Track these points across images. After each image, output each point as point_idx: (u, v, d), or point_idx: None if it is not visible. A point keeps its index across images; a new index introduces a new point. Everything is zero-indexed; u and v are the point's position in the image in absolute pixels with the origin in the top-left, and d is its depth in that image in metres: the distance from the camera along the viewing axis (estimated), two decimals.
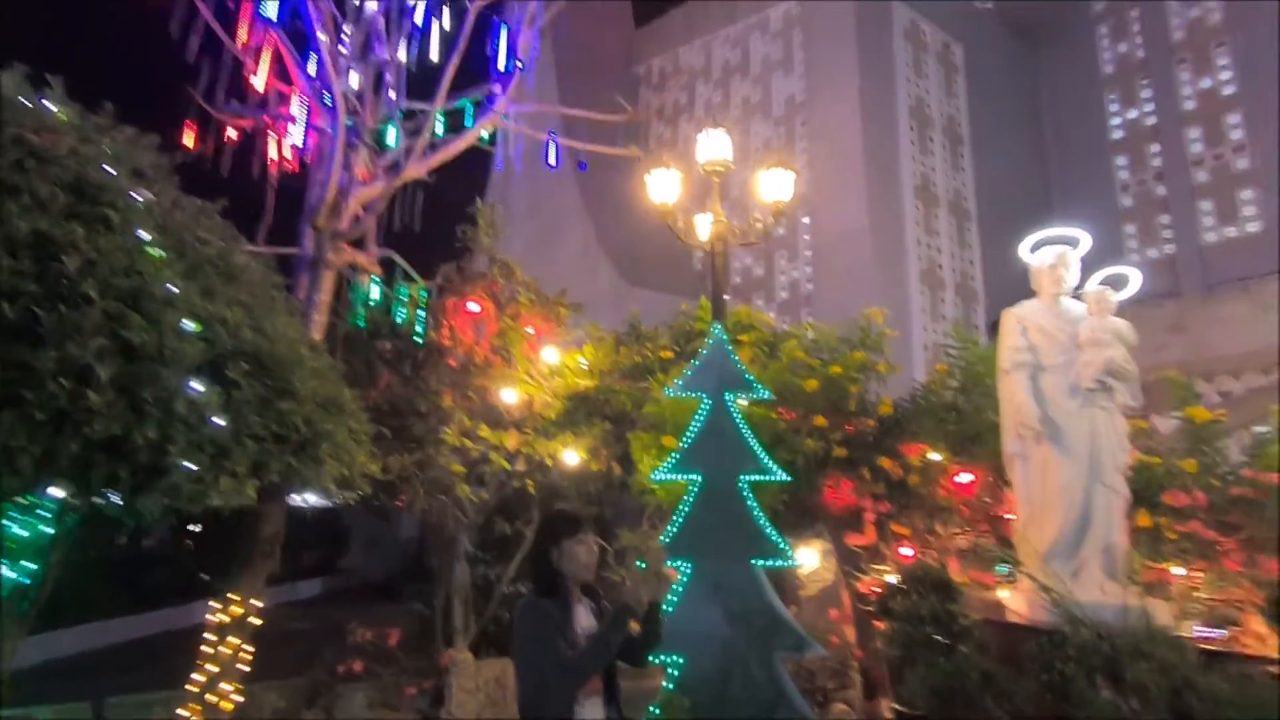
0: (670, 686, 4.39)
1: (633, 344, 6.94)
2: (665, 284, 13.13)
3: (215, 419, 2.77)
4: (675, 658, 4.46)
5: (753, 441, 4.87)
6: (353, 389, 4.31)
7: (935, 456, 6.90)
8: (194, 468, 2.64)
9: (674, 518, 4.76)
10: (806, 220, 15.13)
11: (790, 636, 4.60)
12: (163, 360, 2.67)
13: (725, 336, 5.01)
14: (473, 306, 5.64)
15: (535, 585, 2.80)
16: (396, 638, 6.01)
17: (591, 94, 9.88)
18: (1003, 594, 5.88)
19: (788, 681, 4.48)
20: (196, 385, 2.78)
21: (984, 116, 16.72)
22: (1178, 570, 5.75)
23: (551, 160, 5.98)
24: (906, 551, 6.66)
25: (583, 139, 8.28)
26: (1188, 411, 6.77)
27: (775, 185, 5.05)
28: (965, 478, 6.67)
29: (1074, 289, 5.73)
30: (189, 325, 2.85)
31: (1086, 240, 5.76)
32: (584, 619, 2.78)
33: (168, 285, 2.87)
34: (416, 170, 6.01)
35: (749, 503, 4.78)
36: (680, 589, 4.59)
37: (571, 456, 5.63)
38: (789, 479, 4.93)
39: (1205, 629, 5.60)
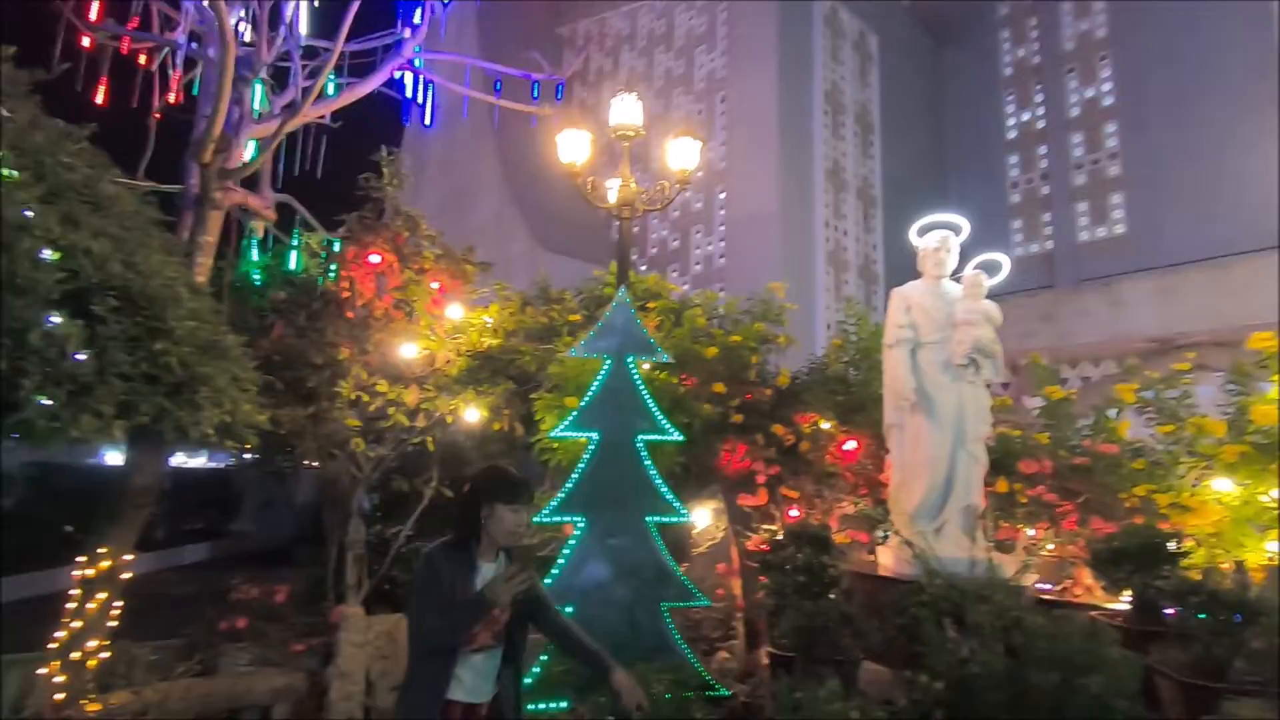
0: None
1: (541, 305, 6.95)
2: (581, 250, 13.11)
3: (76, 354, 2.62)
4: (565, 608, 4.61)
5: (650, 403, 5.04)
6: (241, 336, 4.14)
7: (825, 425, 7.33)
8: (50, 403, 2.50)
9: (571, 474, 4.89)
10: (723, 196, 15.45)
11: (677, 589, 4.84)
12: (15, 289, 2.50)
13: (629, 300, 5.13)
14: (374, 258, 5.49)
15: (452, 536, 2.73)
16: (285, 595, 5.86)
17: (514, 53, 9.64)
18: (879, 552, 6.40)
19: (670, 631, 4.73)
20: (55, 318, 2.62)
21: (893, 107, 17.49)
22: (1027, 530, 6.41)
23: (465, 112, 5.83)
24: (794, 513, 7.09)
25: (503, 97, 8.11)
26: (1045, 390, 7.49)
27: (682, 154, 5.16)
28: (850, 445, 7.13)
29: (953, 272, 6.19)
30: (47, 254, 2.67)
31: (966, 227, 6.21)
32: (484, 571, 2.70)
33: (23, 210, 2.67)
34: (316, 112, 5.73)
35: (644, 461, 4.96)
36: (574, 543, 4.74)
37: (473, 414, 5.63)
38: (684, 440, 5.14)
39: (1044, 581, 6.30)
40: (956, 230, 6.23)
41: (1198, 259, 13.56)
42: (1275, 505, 5.59)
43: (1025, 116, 18.30)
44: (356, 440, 5.28)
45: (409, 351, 5.48)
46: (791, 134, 14.68)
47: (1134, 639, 4.66)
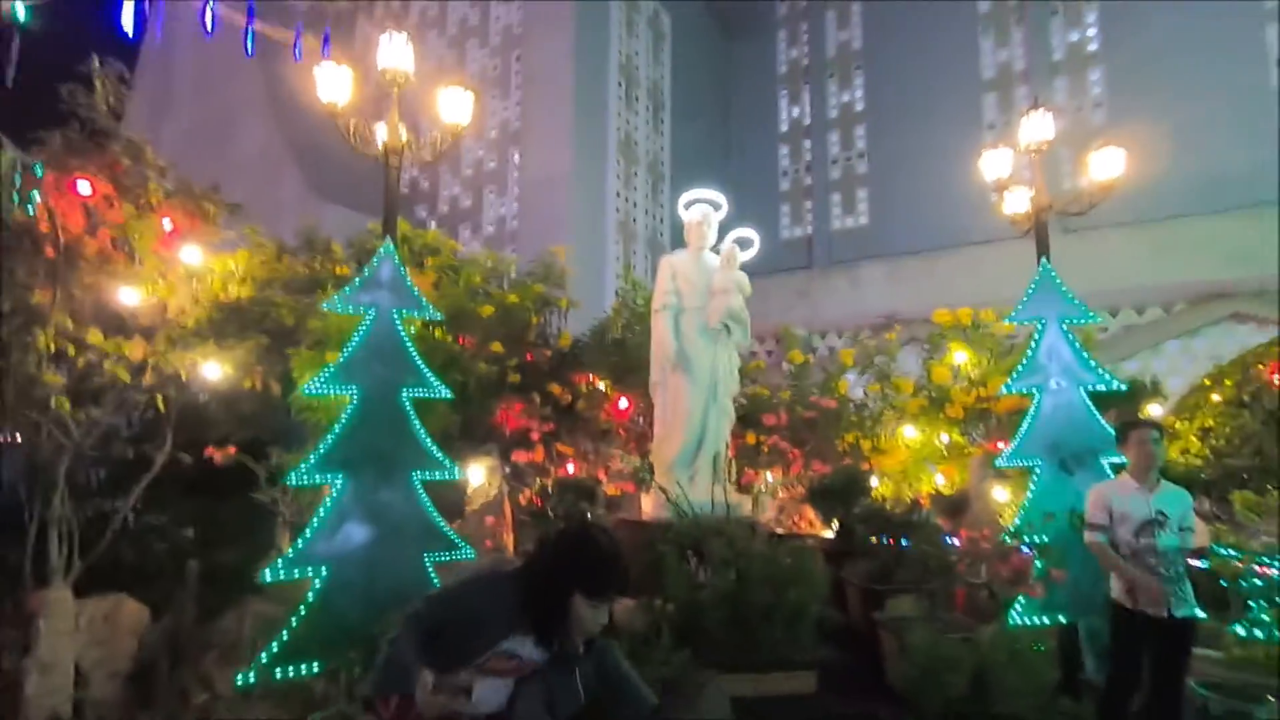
0: (312, 598, 4.37)
1: (303, 255, 6.40)
2: (361, 202, 12.17)
3: None
4: (321, 569, 4.45)
5: (417, 359, 4.95)
6: None
7: (601, 385, 7.73)
8: None
9: (328, 432, 4.67)
10: (517, 157, 15.27)
11: (442, 542, 4.88)
12: None
13: (394, 251, 4.96)
14: (83, 186, 4.68)
15: (518, 602, 2.14)
16: None
17: None
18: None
19: (434, 583, 4.77)
20: None
21: (683, 88, 18.44)
22: (766, 475, 7.36)
23: (208, 27, 5.12)
24: (570, 468, 7.42)
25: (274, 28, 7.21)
26: (790, 355, 8.58)
27: (454, 105, 5.05)
28: (624, 404, 7.60)
29: (714, 244, 6.80)
30: None
31: (725, 204, 6.84)
32: (526, 648, 2.21)
33: None
34: None
35: (410, 418, 4.89)
36: (330, 503, 4.56)
37: (213, 370, 5.10)
38: (454, 398, 5.13)
39: (776, 516, 7.30)
40: (717, 207, 6.83)
41: (917, 251, 16.19)
42: (944, 447, 7.01)
43: (795, 112, 20.30)
44: (60, 400, 4.54)
45: (129, 298, 4.80)
46: (586, 101, 14.87)
47: (834, 558, 5.63)
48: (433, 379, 4.97)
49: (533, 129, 15.21)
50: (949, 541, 5.37)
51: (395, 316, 4.89)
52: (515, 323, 7.21)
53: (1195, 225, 13.26)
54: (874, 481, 6.40)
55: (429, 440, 4.89)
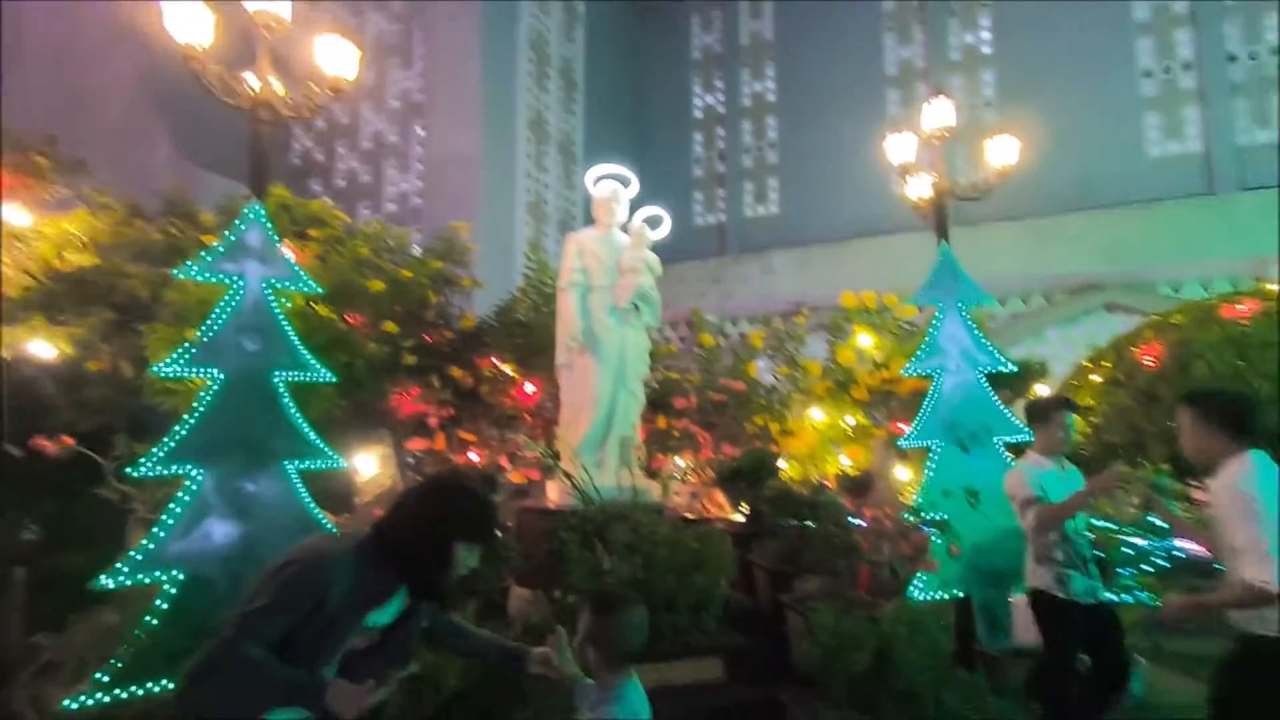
0: (165, 605, 3.85)
1: (162, 219, 5.68)
2: (245, 173, 11.16)
3: None
4: (175, 573, 3.93)
5: (292, 336, 4.47)
6: None
7: (506, 368, 7.37)
8: None
9: (184, 418, 4.13)
10: (421, 132, 14.45)
11: None
12: None
13: (264, 213, 4.44)
14: None
15: (385, 561, 1.94)
16: None
17: None
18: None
19: None
20: None
21: (597, 69, 18.10)
22: (676, 459, 7.24)
23: None
24: (474, 456, 7.04)
25: None
26: (701, 338, 8.50)
27: (333, 55, 4.57)
28: (530, 388, 7.28)
29: (623, 223, 6.58)
30: None
31: (634, 181, 6.62)
32: (388, 615, 2.00)
33: None
34: None
35: (284, 402, 4.41)
36: (185, 498, 4.03)
37: (44, 349, 4.42)
38: (338, 380, 4.68)
39: (686, 501, 7.20)
40: (626, 183, 6.60)
41: (826, 239, 16.60)
42: (849, 429, 7.10)
43: (709, 100, 20.34)
44: None
45: None
46: (494, 75, 14.27)
47: (742, 541, 5.57)
48: (311, 359, 4.50)
49: (437, 102, 14.46)
50: (854, 521, 5.42)
51: (266, 288, 4.39)
52: (411, 301, 6.74)
53: (1073, 221, 14.21)
54: (782, 464, 6.39)
55: (307, 426, 4.43)
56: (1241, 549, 2.58)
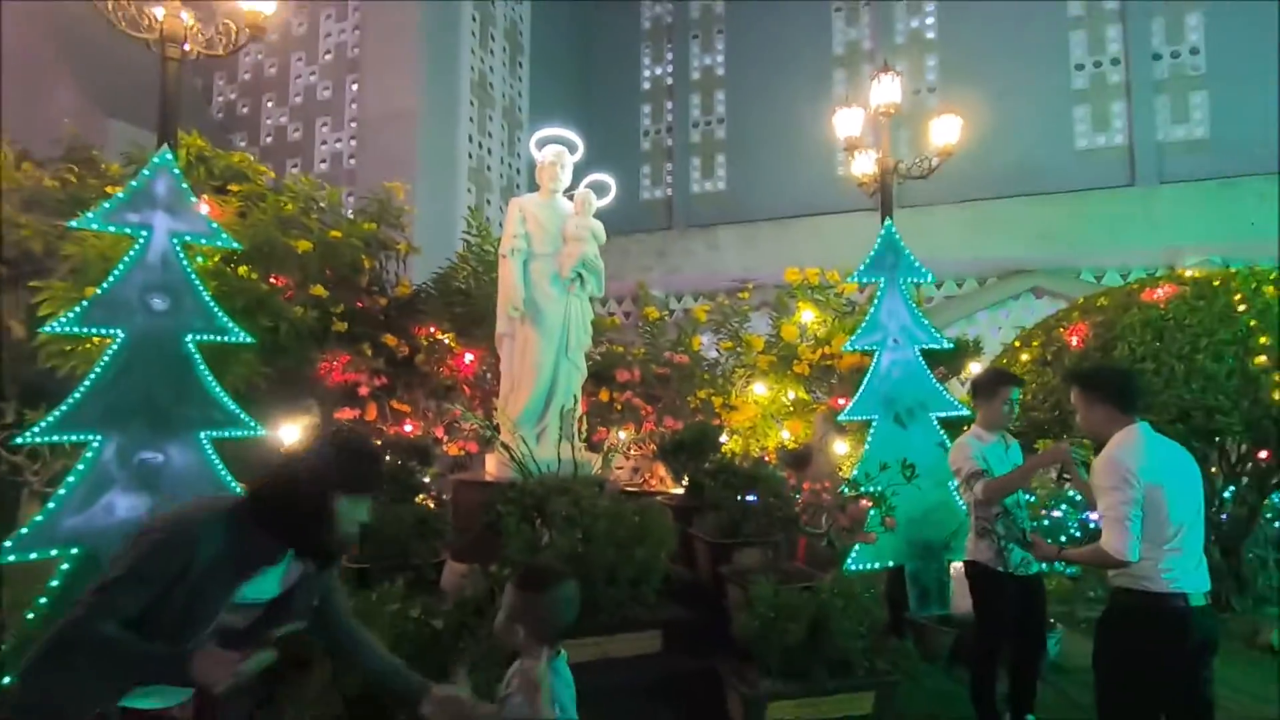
0: (59, 585, 3.55)
1: (57, 167, 5.16)
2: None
3: None
4: (72, 550, 3.62)
5: (205, 296, 4.14)
6: None
7: (444, 337, 7.11)
8: None
9: (82, 382, 3.78)
10: (355, 87, 13.67)
11: None
12: None
13: (173, 160, 4.06)
14: None
15: (291, 535, 1.78)
16: None
17: None
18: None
19: None
20: None
21: (544, 33, 17.53)
22: (620, 432, 7.17)
23: None
24: (409, 427, 6.78)
25: None
26: (645, 311, 8.40)
27: None
28: (469, 358, 7.05)
29: (567, 188, 6.37)
30: None
31: (580, 146, 6.42)
32: (268, 585, 1.82)
33: None
34: None
35: (197, 366, 4.09)
36: (86, 466, 3.71)
37: None
38: (253, 341, 4.37)
39: (630, 475, 7.15)
40: (572, 149, 6.38)
41: (772, 217, 16.68)
42: (791, 404, 7.16)
43: (657, 71, 20.03)
44: None
45: None
46: (436, 31, 13.60)
47: (684, 514, 5.55)
48: (226, 321, 4.18)
49: (373, 56, 13.71)
50: (794, 494, 5.47)
51: (175, 243, 4.04)
52: (343, 265, 6.38)
53: (1007, 208, 14.67)
54: (724, 438, 6.39)
55: (222, 392, 4.13)
56: (1103, 515, 2.76)
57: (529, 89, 16.41)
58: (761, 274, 11.55)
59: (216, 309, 4.15)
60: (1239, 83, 14.28)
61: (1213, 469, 6.00)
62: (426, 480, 4.82)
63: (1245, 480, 6.14)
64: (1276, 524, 6.42)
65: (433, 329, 6.90)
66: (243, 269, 5.26)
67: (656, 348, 8.06)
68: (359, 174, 12.78)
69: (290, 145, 14.12)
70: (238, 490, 4.16)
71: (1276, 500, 6.36)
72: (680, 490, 6.36)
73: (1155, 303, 5.84)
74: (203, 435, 4.04)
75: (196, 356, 4.07)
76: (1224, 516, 6.12)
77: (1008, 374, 4.13)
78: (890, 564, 5.30)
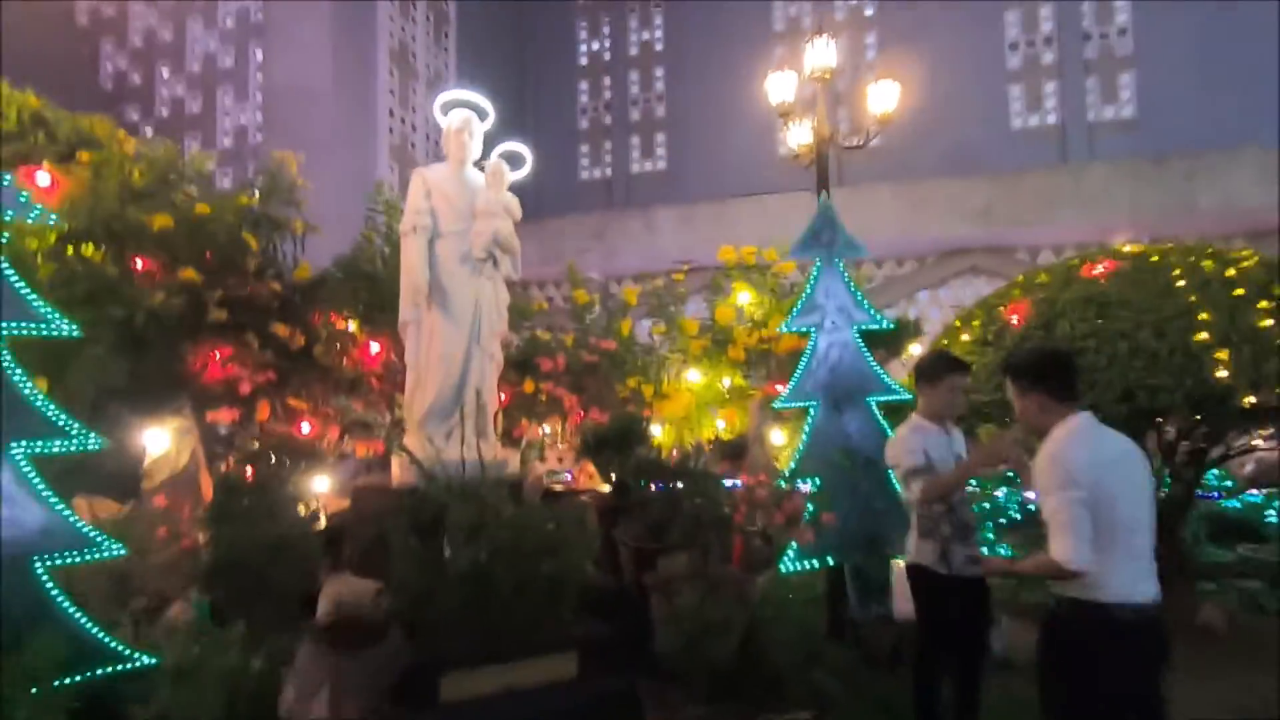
0: None
1: None
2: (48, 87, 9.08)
3: None
4: None
5: (15, 280, 3.43)
6: None
7: (348, 326, 6.44)
8: None
9: None
10: (260, 55, 12.52)
11: (64, 539, 3.50)
12: None
13: None
14: None
15: None
16: None
17: None
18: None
19: (53, 595, 3.42)
20: None
21: (473, 4, 16.62)
22: (543, 427, 6.65)
23: None
24: (306, 427, 6.12)
25: None
26: (576, 294, 7.87)
27: None
28: (375, 347, 6.40)
29: (477, 159, 5.77)
30: None
31: (491, 113, 5.82)
32: None
33: None
34: None
35: (6, 365, 3.39)
36: None
37: None
38: (79, 335, 3.67)
39: (557, 472, 6.65)
40: (483, 115, 5.78)
41: (711, 197, 16.31)
42: (726, 391, 6.77)
43: (595, 46, 19.35)
44: None
45: None
46: None
47: (609, 515, 5.09)
48: (47, 310, 3.48)
49: (279, 21, 12.63)
50: (728, 488, 5.09)
51: None
52: (223, 245, 5.64)
53: (945, 187, 14.65)
54: (655, 429, 5.96)
55: (39, 396, 3.44)
56: (1048, 520, 2.49)
57: (455, 61, 15.52)
58: (700, 256, 11.13)
59: (32, 295, 3.45)
60: (1166, 63, 14.55)
61: (1149, 448, 5.87)
62: (323, 487, 4.21)
63: (1179, 459, 6.05)
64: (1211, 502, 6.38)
65: (333, 317, 6.22)
66: (87, 249, 4.50)
67: (585, 333, 7.54)
68: (266, 150, 11.76)
69: (190, 119, 12.88)
70: (65, 513, 3.49)
71: (1210, 479, 6.31)
72: (608, 488, 5.90)
73: (1095, 279, 5.64)
74: (17, 448, 3.36)
75: (6, 354, 3.37)
76: (1161, 495, 6.02)
77: (954, 359, 3.77)
78: (830, 561, 4.96)
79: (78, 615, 3.44)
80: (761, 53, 17.82)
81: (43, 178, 4.73)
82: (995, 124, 15.63)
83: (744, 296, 6.92)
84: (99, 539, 3.52)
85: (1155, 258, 5.70)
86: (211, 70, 13.15)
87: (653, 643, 3.66)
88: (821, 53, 5.69)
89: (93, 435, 3.60)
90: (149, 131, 11.78)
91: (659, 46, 18.72)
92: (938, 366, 3.63)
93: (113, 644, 3.48)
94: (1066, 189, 13.87)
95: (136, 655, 3.50)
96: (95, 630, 3.47)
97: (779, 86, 5.87)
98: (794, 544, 4.73)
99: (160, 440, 4.89)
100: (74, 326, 3.57)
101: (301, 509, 4.11)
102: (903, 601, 4.24)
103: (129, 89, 13.75)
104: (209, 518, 3.66)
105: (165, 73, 13.52)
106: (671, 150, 18.19)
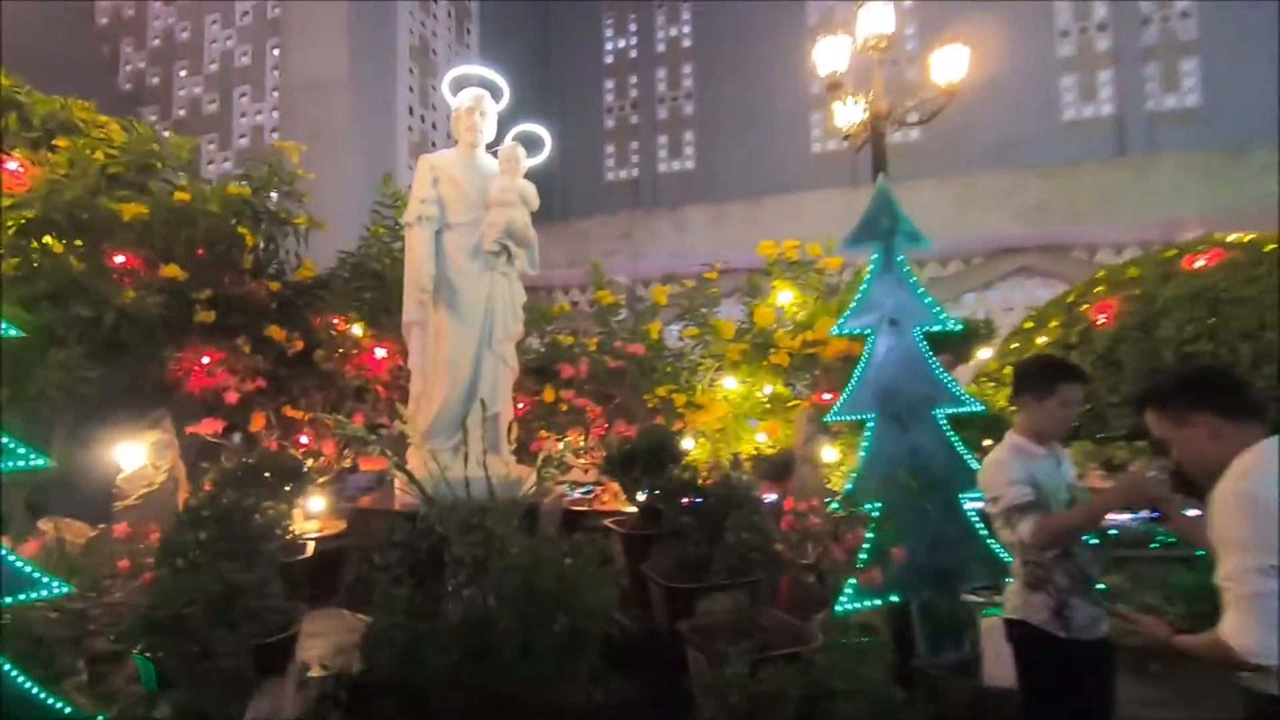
0: None
1: None
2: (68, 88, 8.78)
3: None
4: None
5: None
6: None
7: (354, 329, 5.92)
8: None
9: None
10: (277, 53, 12.21)
11: (14, 580, 2.96)
12: None
13: None
14: None
15: None
16: None
17: None
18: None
19: None
20: None
21: (495, 2, 16.21)
22: (567, 439, 6.02)
23: None
24: (305, 439, 5.59)
25: None
26: (598, 294, 7.26)
27: None
28: (380, 352, 5.86)
29: (489, 143, 5.21)
30: None
31: (505, 90, 5.26)
32: None
33: None
34: None
35: None
36: None
37: None
38: (19, 334, 3.15)
39: (577, 490, 6.03)
40: (497, 95, 5.23)
41: (743, 195, 15.62)
42: (767, 400, 6.08)
43: (621, 44, 18.81)
44: None
45: None
46: None
47: (638, 543, 4.45)
48: None
49: (296, 18, 12.30)
50: (772, 509, 4.43)
51: None
52: (216, 239, 5.14)
53: (993, 181, 13.77)
54: (688, 444, 5.31)
55: None
56: (1226, 587, 1.84)
57: (480, 59, 15.11)
58: (731, 257, 10.46)
59: None
60: (1233, 47, 13.53)
61: None
62: (318, 508, 3.66)
63: None
64: None
65: (335, 319, 5.69)
66: (55, 243, 4.01)
67: (612, 337, 6.93)
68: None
69: (207, 119, 12.62)
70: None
71: None
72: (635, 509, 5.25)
73: (1199, 272, 4.86)
74: None
75: None
76: None
77: (1067, 365, 3.05)
78: (894, 599, 4.25)
79: (10, 671, 2.90)
80: (793, 47, 17.09)
81: (10, 165, 4.26)
82: (1046, 116, 14.71)
83: (785, 296, 6.24)
84: (39, 577, 2.97)
85: (1270, 247, 4.90)
86: (228, 68, 12.87)
87: (690, 713, 3.01)
88: (877, 17, 5.01)
89: (35, 453, 3.06)
90: (166, 134, 11.51)
91: (687, 43, 18.10)
92: (1047, 374, 2.92)
93: (57, 705, 2.93)
94: (1128, 183, 12.89)
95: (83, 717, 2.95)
96: (31, 688, 2.92)
97: (829, 54, 5.21)
98: (852, 583, 4.04)
99: (135, 455, 4.38)
100: (12, 326, 3.04)
101: (281, 537, 3.52)
102: (995, 664, 3.52)
103: (148, 89, 13.56)
104: (156, 558, 3.09)
105: (183, 72, 13.28)
106: (700, 149, 17.54)
